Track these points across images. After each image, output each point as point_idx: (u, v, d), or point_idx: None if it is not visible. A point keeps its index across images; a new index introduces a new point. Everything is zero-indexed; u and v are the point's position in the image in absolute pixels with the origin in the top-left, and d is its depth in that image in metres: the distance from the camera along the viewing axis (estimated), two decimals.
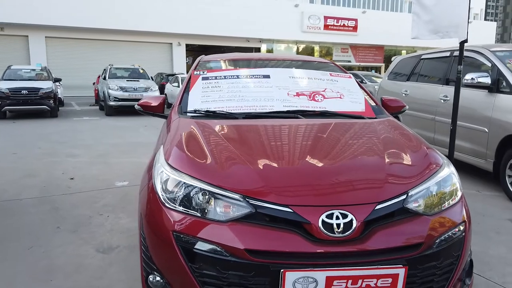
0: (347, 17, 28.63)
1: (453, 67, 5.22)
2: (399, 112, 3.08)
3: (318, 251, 1.56)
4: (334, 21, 28.25)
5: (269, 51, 28.72)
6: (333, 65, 3.31)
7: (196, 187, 1.72)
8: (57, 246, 2.98)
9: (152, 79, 14.86)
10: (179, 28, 24.20)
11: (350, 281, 1.55)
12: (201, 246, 1.60)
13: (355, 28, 28.96)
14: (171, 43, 25.71)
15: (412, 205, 1.74)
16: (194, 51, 29.20)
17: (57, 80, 12.99)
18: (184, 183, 1.75)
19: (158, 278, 1.74)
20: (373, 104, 2.83)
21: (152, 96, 3.09)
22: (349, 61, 30.98)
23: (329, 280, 1.54)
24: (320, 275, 1.53)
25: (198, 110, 2.53)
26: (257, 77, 2.86)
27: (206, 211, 1.67)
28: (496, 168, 4.36)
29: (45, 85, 11.78)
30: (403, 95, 6.17)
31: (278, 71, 2.98)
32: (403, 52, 29.58)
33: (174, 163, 1.87)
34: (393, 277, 1.57)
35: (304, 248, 1.56)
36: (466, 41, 2.42)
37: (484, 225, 3.48)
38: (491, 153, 4.37)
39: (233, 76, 2.86)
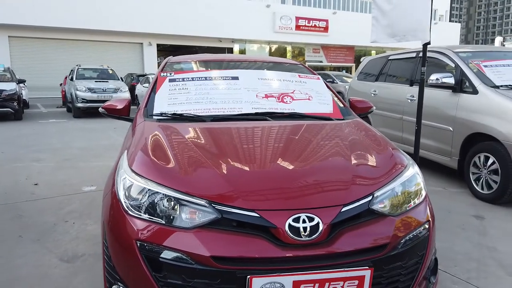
0: (318, 18, 28.97)
1: (419, 67, 5.34)
2: (367, 113, 3.12)
3: (285, 255, 1.55)
4: (305, 21, 28.53)
5: (242, 51, 28.70)
6: (302, 66, 3.32)
7: (161, 193, 1.67)
8: (19, 256, 2.85)
9: (122, 80, 14.56)
10: (150, 27, 23.81)
11: (317, 285, 1.54)
12: (165, 254, 1.56)
13: (326, 29, 29.34)
14: (141, 43, 25.28)
15: (377, 206, 1.75)
16: (166, 51, 28.83)
17: (21, 81, 12.52)
18: (148, 189, 1.70)
19: None
20: (341, 105, 2.85)
21: (117, 98, 3.00)
22: (321, 61, 31.37)
23: (296, 285, 1.53)
24: (287, 280, 1.52)
25: (165, 113, 2.48)
26: (225, 79, 2.83)
27: (171, 218, 1.63)
28: (461, 165, 4.49)
29: (8, 86, 11.31)
30: (372, 95, 6.28)
31: (247, 73, 2.96)
32: (373, 52, 30.20)
33: (138, 169, 1.81)
34: (359, 279, 1.57)
35: (271, 253, 1.54)
36: (429, 43, 2.47)
37: (449, 222, 3.57)
38: (456, 151, 4.51)
39: (201, 78, 2.81)
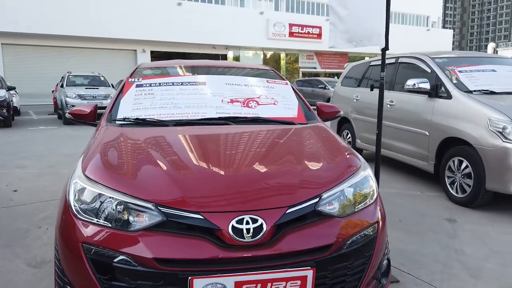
0: (311, 25, 29.18)
1: (398, 72, 5.42)
2: (335, 117, 3.16)
3: (227, 256, 1.57)
4: (299, 28, 28.72)
5: (236, 58, 28.83)
6: (273, 72, 3.36)
7: (109, 197, 1.70)
8: None
9: (113, 87, 14.58)
10: (144, 34, 23.90)
11: (259, 285, 1.57)
12: (109, 257, 1.58)
13: (319, 36, 29.52)
14: (135, 50, 25.36)
15: (325, 208, 1.78)
16: (160, 58, 28.89)
17: (11, 88, 12.49)
18: (98, 193, 1.72)
19: None
20: (307, 110, 2.89)
21: (84, 104, 3.03)
22: (315, 68, 31.55)
23: (238, 285, 1.55)
24: (229, 281, 1.54)
25: (127, 118, 2.51)
26: (192, 84, 2.86)
27: (118, 221, 1.65)
28: (437, 169, 4.54)
29: None
30: (355, 100, 6.34)
31: (214, 78, 3.00)
32: (366, 58, 30.40)
33: (90, 173, 1.84)
34: (302, 279, 1.60)
35: (214, 254, 1.57)
36: (387, 48, 2.52)
37: (422, 225, 3.60)
38: (432, 155, 4.55)
39: (168, 83, 2.85)
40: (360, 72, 6.53)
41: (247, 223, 1.61)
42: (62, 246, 1.72)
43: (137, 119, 2.50)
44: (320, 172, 1.96)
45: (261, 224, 1.62)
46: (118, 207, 1.67)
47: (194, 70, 3.29)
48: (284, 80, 3.18)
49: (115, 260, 1.57)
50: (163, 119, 2.50)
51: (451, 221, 3.71)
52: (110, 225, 1.65)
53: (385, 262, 2.01)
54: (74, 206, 1.74)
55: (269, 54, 30.39)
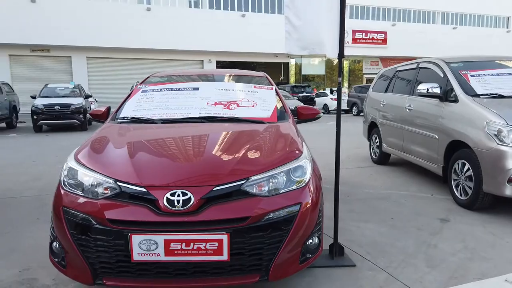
0: (376, 30, 28.70)
1: (418, 77, 5.49)
2: (314, 119, 3.47)
3: (160, 220, 2.04)
4: (362, 34, 28.41)
5: (298, 65, 29.24)
6: (266, 78, 3.77)
7: (87, 175, 2.25)
8: (27, 232, 3.60)
9: None
10: (210, 46, 25.35)
11: (183, 244, 2.01)
12: (78, 217, 2.12)
13: (384, 41, 28.94)
14: (202, 60, 26.93)
15: (251, 188, 2.17)
16: (225, 67, 30.32)
17: (88, 96, 14.16)
18: (77, 171, 2.29)
19: (56, 245, 2.27)
20: (283, 112, 3.26)
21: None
22: None
23: (167, 243, 2.01)
24: (159, 238, 2.00)
25: (126, 117, 3.09)
26: (187, 90, 3.38)
27: (90, 192, 2.20)
28: (445, 172, 4.58)
29: (76, 101, 12.94)
30: (381, 105, 6.45)
31: (207, 84, 3.50)
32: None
33: (79, 156, 2.43)
34: (219, 242, 2.01)
35: (150, 218, 2.04)
36: (343, 56, 2.80)
37: (411, 223, 3.75)
38: (441, 158, 4.61)
39: (167, 89, 3.40)
40: (388, 78, 6.63)
41: (178, 195, 2.06)
42: (53, 209, 2.31)
43: (133, 117, 3.07)
44: (256, 159, 2.34)
45: (190, 197, 2.06)
46: (92, 182, 2.22)
47: (195, 77, 3.82)
48: (272, 85, 3.57)
49: (82, 219, 2.11)
50: (154, 118, 3.04)
51: (443, 221, 3.80)
52: (83, 195, 2.19)
53: (314, 240, 2.33)
54: (63, 180, 2.32)
55: (330, 60, 30.33)
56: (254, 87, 3.46)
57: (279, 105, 3.31)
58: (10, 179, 5.78)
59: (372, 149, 6.92)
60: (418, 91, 4.90)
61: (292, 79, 29.92)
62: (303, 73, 30.18)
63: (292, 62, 29.22)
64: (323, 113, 20.92)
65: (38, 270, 2.82)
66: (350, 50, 28.66)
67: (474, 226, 3.66)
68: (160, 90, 3.40)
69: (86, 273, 2.12)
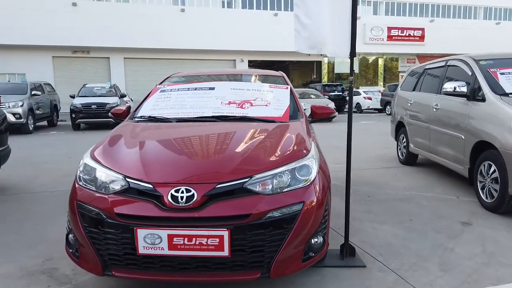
0: (412, 27, 27.89)
1: (446, 76, 5.32)
2: (329, 118, 3.46)
3: (164, 215, 2.11)
4: (398, 31, 27.67)
5: (331, 63, 28.89)
6: (282, 78, 3.79)
7: (99, 170, 2.37)
8: (55, 225, 3.80)
9: None
10: (242, 45, 25.50)
11: (186, 239, 2.08)
12: (90, 211, 2.24)
13: (421, 38, 28.07)
14: (234, 60, 27.15)
15: (254, 186, 2.20)
16: (258, 66, 30.41)
17: (123, 96, 14.67)
18: (92, 167, 2.41)
19: (72, 237, 2.41)
20: (295, 111, 3.27)
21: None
22: None
23: (170, 237, 2.08)
24: (163, 233, 2.08)
25: (144, 116, 3.21)
26: (203, 89, 3.46)
27: (101, 186, 2.31)
28: (471, 174, 4.42)
29: (112, 100, 13.47)
30: (409, 104, 6.30)
31: (222, 84, 3.56)
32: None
33: (95, 154, 2.55)
34: (220, 238, 2.07)
35: (155, 214, 2.12)
36: (354, 55, 2.78)
37: (430, 225, 3.65)
38: (467, 159, 4.45)
39: (185, 88, 3.49)
40: (416, 76, 6.46)
41: (182, 192, 2.13)
42: (69, 204, 2.44)
43: (149, 116, 3.18)
44: (261, 158, 2.38)
45: (193, 194, 2.13)
46: (104, 178, 2.33)
47: (212, 77, 3.89)
48: (288, 85, 3.59)
49: (93, 213, 2.23)
50: (169, 117, 3.14)
51: (465, 224, 3.68)
52: (96, 190, 2.31)
53: (318, 239, 2.34)
54: (79, 176, 2.45)
55: (366, 58, 29.76)
56: (270, 86, 3.49)
57: (292, 104, 3.32)
58: (46, 175, 6.11)
59: (399, 149, 6.77)
60: (445, 89, 4.76)
61: (324, 78, 29.59)
62: (336, 71, 29.78)
63: (325, 60, 28.88)
64: (356, 112, 20.59)
65: (60, 261, 2.98)
66: (385, 47, 28.04)
67: (497, 230, 3.52)
68: (178, 90, 3.49)
69: (97, 265, 2.24)
